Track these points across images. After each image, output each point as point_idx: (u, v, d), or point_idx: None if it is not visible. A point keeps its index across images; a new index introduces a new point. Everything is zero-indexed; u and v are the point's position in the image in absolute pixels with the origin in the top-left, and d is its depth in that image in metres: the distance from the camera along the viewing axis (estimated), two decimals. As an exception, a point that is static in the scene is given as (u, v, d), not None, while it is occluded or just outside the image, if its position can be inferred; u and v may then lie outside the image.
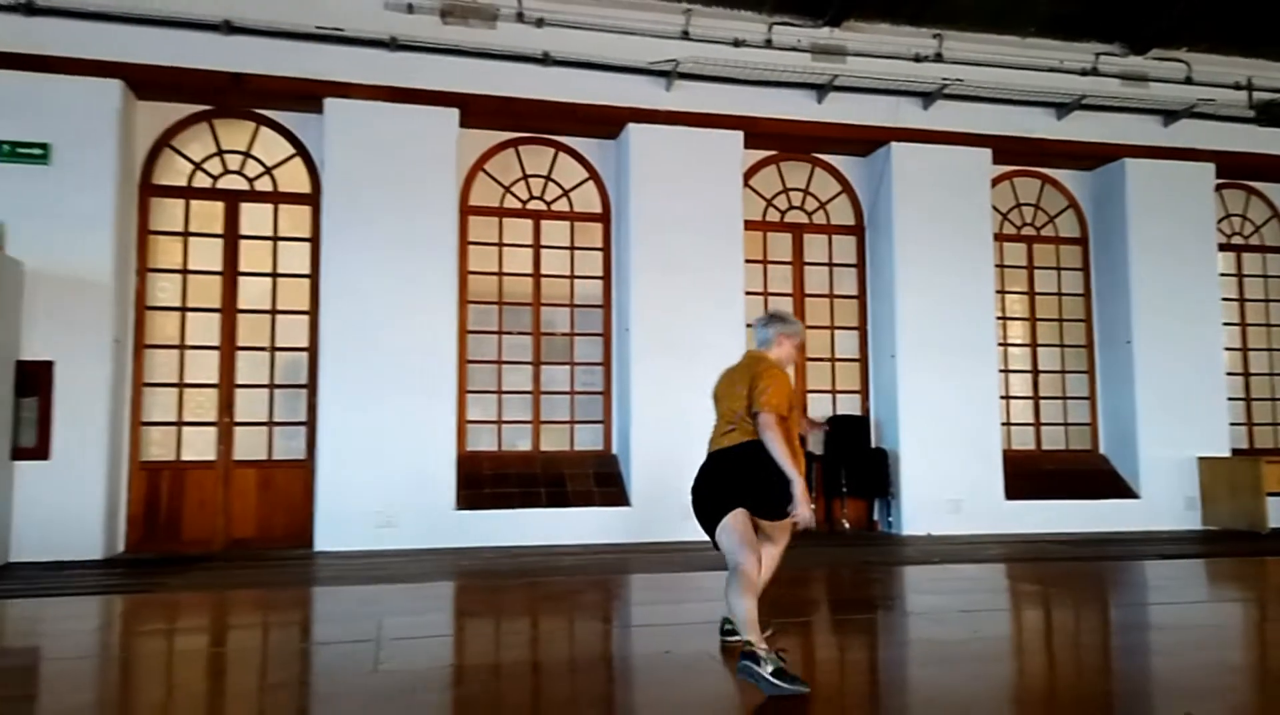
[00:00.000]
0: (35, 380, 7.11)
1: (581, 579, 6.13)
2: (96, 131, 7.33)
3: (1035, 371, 9.86)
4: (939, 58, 9.12)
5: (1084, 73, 9.42)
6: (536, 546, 7.62)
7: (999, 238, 9.71)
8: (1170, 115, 9.63)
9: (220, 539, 7.75)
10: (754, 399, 3.68)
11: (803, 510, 3.61)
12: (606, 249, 8.85)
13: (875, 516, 9.15)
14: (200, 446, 7.86)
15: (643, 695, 3.54)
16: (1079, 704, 3.38)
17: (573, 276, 8.78)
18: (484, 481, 8.11)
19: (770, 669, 3.28)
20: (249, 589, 5.99)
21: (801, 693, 3.27)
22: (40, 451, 7.10)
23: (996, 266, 9.48)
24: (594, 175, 8.89)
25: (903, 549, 7.75)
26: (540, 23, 8.25)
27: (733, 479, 3.73)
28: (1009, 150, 9.43)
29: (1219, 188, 10.03)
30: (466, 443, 8.30)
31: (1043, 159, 9.78)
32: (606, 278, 8.81)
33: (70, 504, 7.11)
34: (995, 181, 9.67)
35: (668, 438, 8.02)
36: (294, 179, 8.21)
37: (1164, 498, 9.28)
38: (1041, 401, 9.83)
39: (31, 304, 7.14)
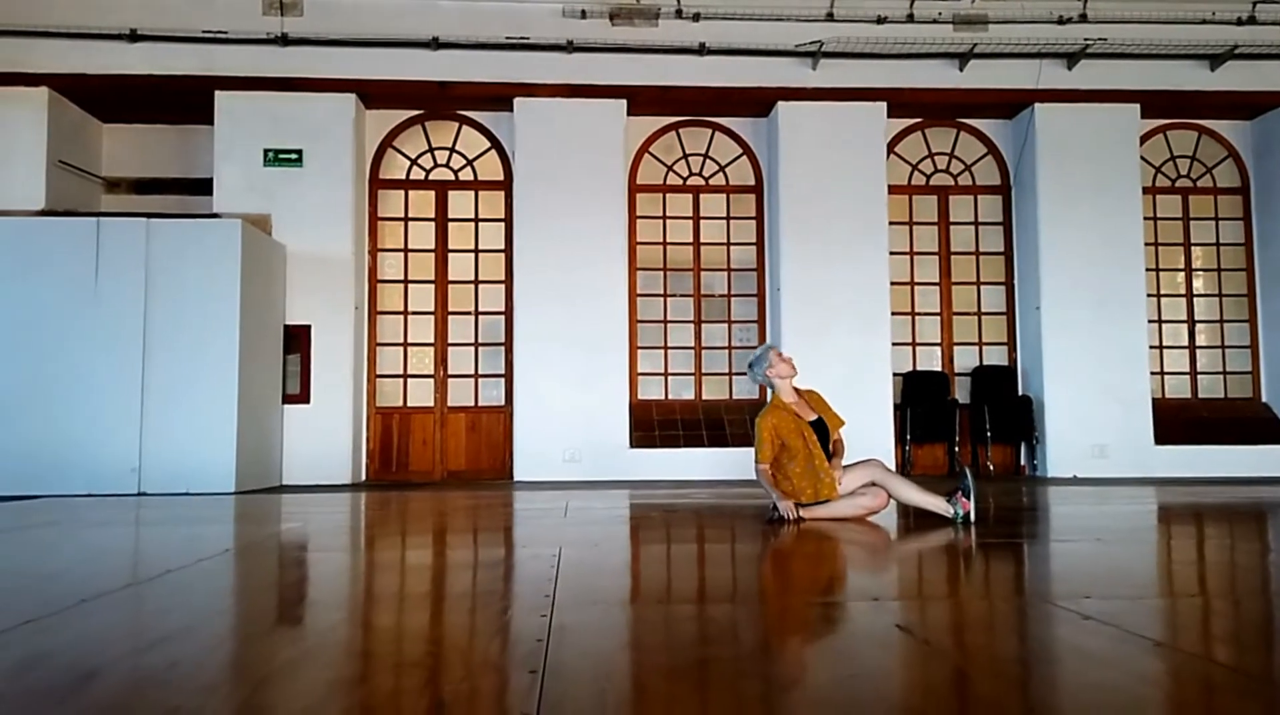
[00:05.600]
0: (297, 340, 8.90)
1: (727, 491, 7.16)
2: (337, 137, 9.01)
3: (1191, 321, 9.96)
4: (1083, 18, 9.39)
5: (1239, 22, 9.40)
6: (698, 480, 8.72)
7: (1151, 190, 9.87)
8: (1338, 58, 9.45)
9: (439, 471, 9.36)
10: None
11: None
12: (760, 217, 9.78)
13: (1021, 461, 9.65)
14: (421, 395, 9.48)
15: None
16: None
17: (729, 243, 9.79)
18: (653, 425, 9.30)
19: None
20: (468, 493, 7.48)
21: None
22: (303, 397, 8.89)
23: (1148, 219, 9.68)
24: (747, 151, 9.84)
25: (1048, 486, 8.26)
26: (697, 17, 9.25)
27: None
28: (1159, 104, 9.59)
29: (1398, 128, 9.73)
30: (638, 392, 9.52)
31: (1196, 111, 9.84)
32: (760, 243, 9.75)
33: (324, 440, 8.86)
34: (1147, 135, 9.84)
35: (816, 387, 8.90)
36: (490, 169, 9.66)
37: (1329, 445, 9.24)
38: (1198, 350, 9.94)
39: (292, 279, 8.91)
